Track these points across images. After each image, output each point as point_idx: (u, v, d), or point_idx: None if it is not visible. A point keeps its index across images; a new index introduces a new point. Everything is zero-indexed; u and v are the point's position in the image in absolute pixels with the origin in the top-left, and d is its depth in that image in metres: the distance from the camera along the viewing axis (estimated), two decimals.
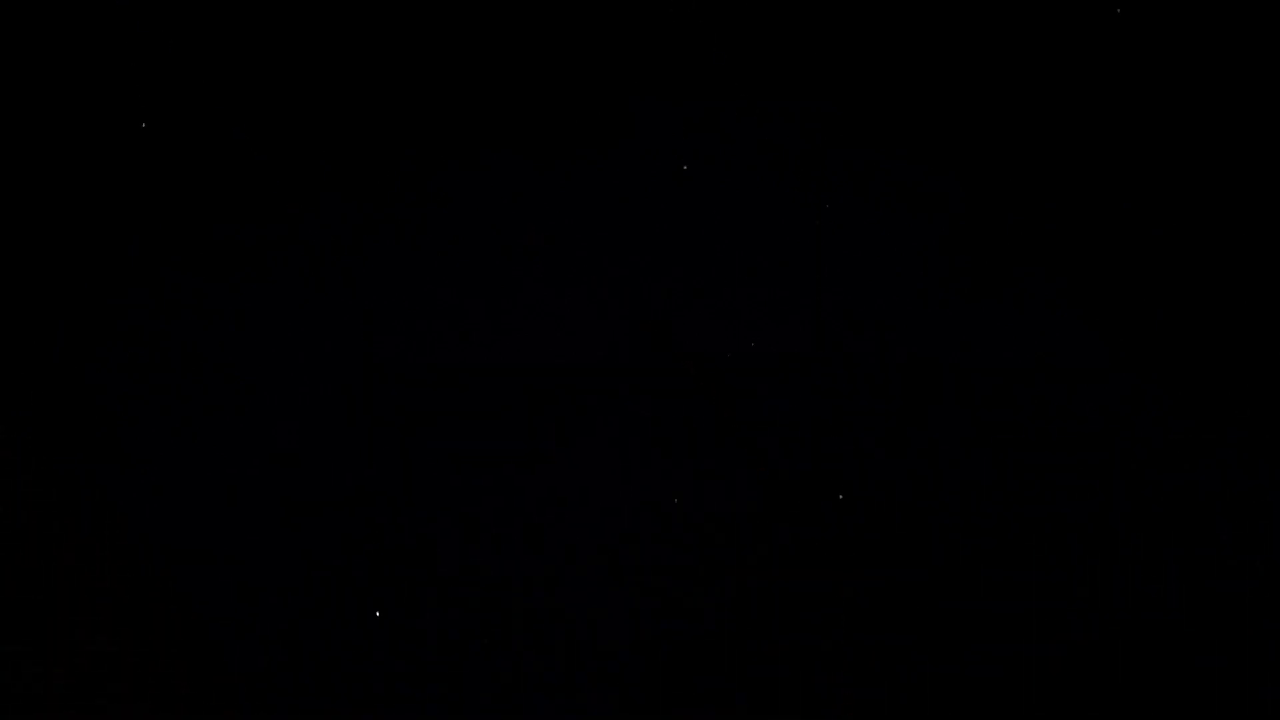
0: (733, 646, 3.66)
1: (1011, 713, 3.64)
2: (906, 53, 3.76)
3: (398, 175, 3.74)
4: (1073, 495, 3.68)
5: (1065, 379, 3.70)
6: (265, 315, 3.69)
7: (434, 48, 3.75)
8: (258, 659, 3.62)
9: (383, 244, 3.72)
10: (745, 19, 3.75)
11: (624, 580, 3.67)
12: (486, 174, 3.74)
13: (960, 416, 3.70)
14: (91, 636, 3.60)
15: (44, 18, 3.71)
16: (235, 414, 3.67)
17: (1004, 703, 3.65)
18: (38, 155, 3.69)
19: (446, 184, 3.74)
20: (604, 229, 3.75)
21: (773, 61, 3.76)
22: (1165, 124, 3.76)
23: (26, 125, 3.69)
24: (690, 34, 3.76)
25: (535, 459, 3.69)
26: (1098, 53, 3.76)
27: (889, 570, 3.67)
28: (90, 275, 3.68)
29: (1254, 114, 3.75)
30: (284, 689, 3.61)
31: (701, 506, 3.68)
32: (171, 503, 3.64)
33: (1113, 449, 3.69)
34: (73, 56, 3.72)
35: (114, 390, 3.66)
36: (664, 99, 3.75)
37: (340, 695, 3.62)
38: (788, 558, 3.67)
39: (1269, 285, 3.72)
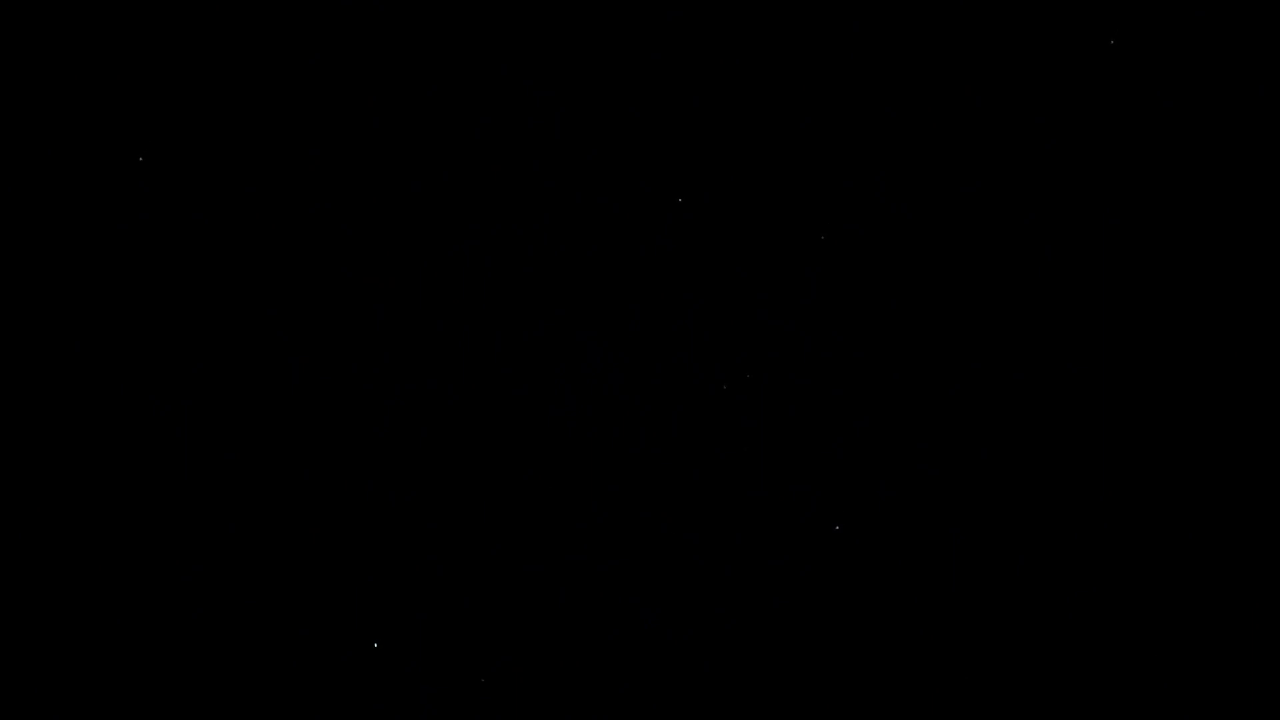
0: (727, 673, 3.67)
1: None
2: (903, 60, 3.76)
3: (396, 178, 3.74)
4: (1076, 508, 3.68)
5: (1078, 421, 3.70)
6: (262, 315, 3.69)
7: (432, 53, 3.76)
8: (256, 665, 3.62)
9: (379, 253, 3.72)
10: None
11: (618, 610, 3.67)
12: (482, 189, 3.75)
13: (963, 445, 3.70)
14: (89, 640, 3.60)
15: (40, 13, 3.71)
16: (232, 419, 3.67)
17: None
18: (34, 155, 3.69)
19: (440, 195, 3.74)
20: (601, 251, 3.75)
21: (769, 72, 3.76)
22: (1163, 128, 3.76)
23: (22, 124, 3.69)
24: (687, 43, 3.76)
25: (528, 482, 3.69)
26: (1096, 54, 3.76)
27: (886, 601, 3.68)
28: (83, 271, 3.68)
29: (1253, 122, 3.75)
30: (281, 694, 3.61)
31: (697, 534, 3.69)
32: (169, 506, 3.65)
33: (1116, 456, 3.69)
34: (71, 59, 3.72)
35: (110, 391, 3.66)
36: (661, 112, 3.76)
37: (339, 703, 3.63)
38: (783, 588, 3.67)
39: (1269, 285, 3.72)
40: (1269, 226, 3.73)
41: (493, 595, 3.66)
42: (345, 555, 3.65)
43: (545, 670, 3.65)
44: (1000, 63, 3.76)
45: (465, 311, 3.72)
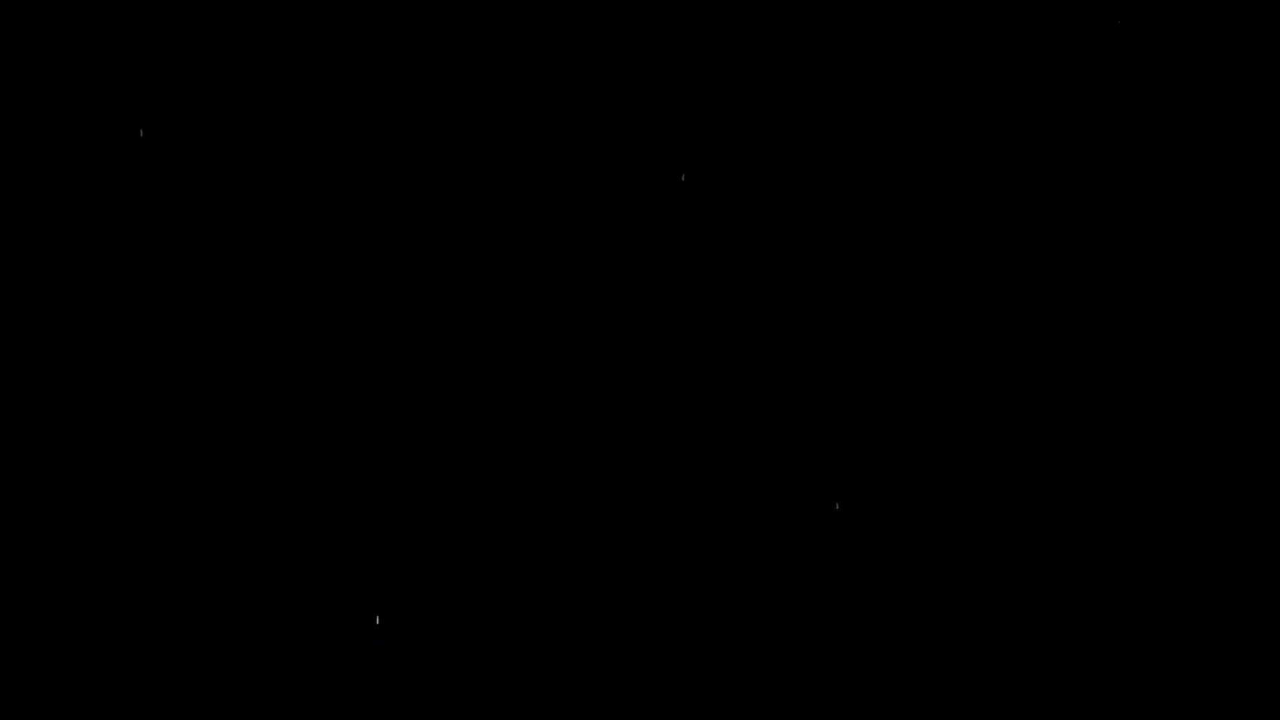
0: (727, 673, 3.67)
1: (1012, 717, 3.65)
2: (902, 57, 3.76)
3: (396, 178, 3.74)
4: (1077, 505, 3.68)
5: (1073, 395, 3.70)
6: (260, 315, 3.69)
7: (432, 53, 3.75)
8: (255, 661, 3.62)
9: (379, 253, 3.72)
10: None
11: (618, 610, 3.67)
12: (483, 184, 3.74)
13: (963, 445, 3.70)
14: (88, 637, 3.60)
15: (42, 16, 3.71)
16: (232, 415, 3.67)
17: (1005, 708, 3.65)
18: (34, 155, 3.69)
19: (440, 195, 3.74)
20: (600, 241, 3.75)
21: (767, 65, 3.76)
22: (1164, 126, 3.76)
23: (23, 125, 3.69)
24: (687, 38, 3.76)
25: (528, 482, 3.68)
26: (1095, 56, 3.76)
27: (886, 602, 3.68)
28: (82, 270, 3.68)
29: (1253, 119, 3.75)
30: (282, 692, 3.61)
31: (697, 534, 3.69)
32: (168, 504, 3.65)
33: (1116, 454, 3.69)
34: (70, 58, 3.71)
35: (110, 391, 3.66)
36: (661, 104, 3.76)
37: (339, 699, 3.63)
38: (783, 588, 3.67)
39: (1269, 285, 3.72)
40: (1269, 226, 3.73)
41: (493, 595, 3.66)
42: (345, 555, 3.65)
43: (545, 670, 3.65)
44: (1000, 63, 3.76)
45: (465, 311, 3.72)
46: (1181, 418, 3.69)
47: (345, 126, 3.73)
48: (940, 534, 3.67)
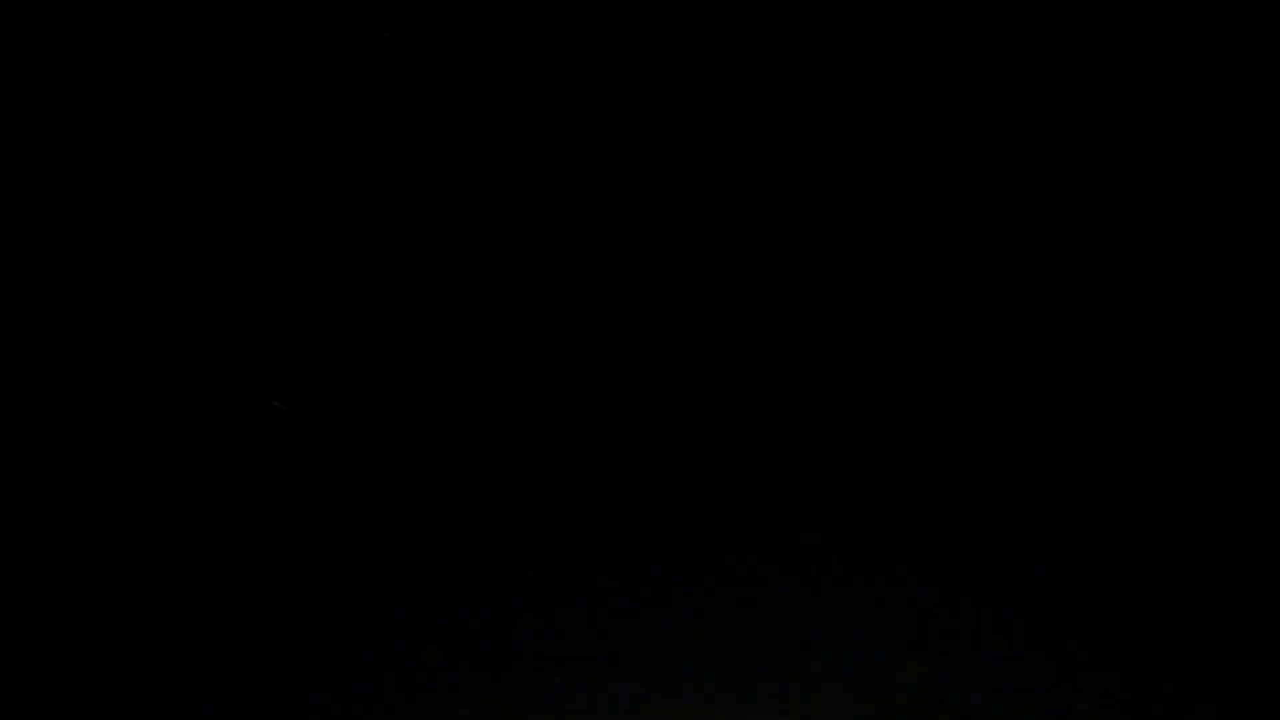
0: (727, 668, 3.67)
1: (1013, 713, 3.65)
2: (902, 57, 3.77)
3: (396, 178, 3.75)
4: (1077, 504, 3.69)
5: (1073, 396, 3.71)
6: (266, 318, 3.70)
7: (432, 53, 3.77)
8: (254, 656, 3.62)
9: (379, 253, 3.73)
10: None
11: (618, 609, 3.67)
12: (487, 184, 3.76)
13: (963, 445, 3.71)
14: (90, 636, 3.60)
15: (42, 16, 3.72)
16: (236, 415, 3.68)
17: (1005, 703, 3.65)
18: (35, 156, 3.70)
19: (440, 195, 3.75)
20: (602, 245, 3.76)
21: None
22: (1165, 124, 3.77)
23: (25, 125, 3.70)
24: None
25: (528, 482, 3.69)
26: (1096, 54, 3.77)
27: (886, 601, 3.69)
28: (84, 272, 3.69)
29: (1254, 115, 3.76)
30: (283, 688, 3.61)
31: (697, 534, 3.69)
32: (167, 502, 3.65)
33: (1114, 450, 3.70)
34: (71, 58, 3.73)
35: (110, 391, 3.66)
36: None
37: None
38: (783, 588, 3.68)
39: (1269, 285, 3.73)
40: (1269, 226, 3.74)
41: (493, 595, 3.66)
42: (345, 555, 3.65)
43: (545, 670, 3.65)
44: (1000, 63, 3.77)
45: (465, 311, 3.72)
46: (1180, 417, 3.70)
47: (345, 126, 3.74)
48: (940, 534, 3.67)
